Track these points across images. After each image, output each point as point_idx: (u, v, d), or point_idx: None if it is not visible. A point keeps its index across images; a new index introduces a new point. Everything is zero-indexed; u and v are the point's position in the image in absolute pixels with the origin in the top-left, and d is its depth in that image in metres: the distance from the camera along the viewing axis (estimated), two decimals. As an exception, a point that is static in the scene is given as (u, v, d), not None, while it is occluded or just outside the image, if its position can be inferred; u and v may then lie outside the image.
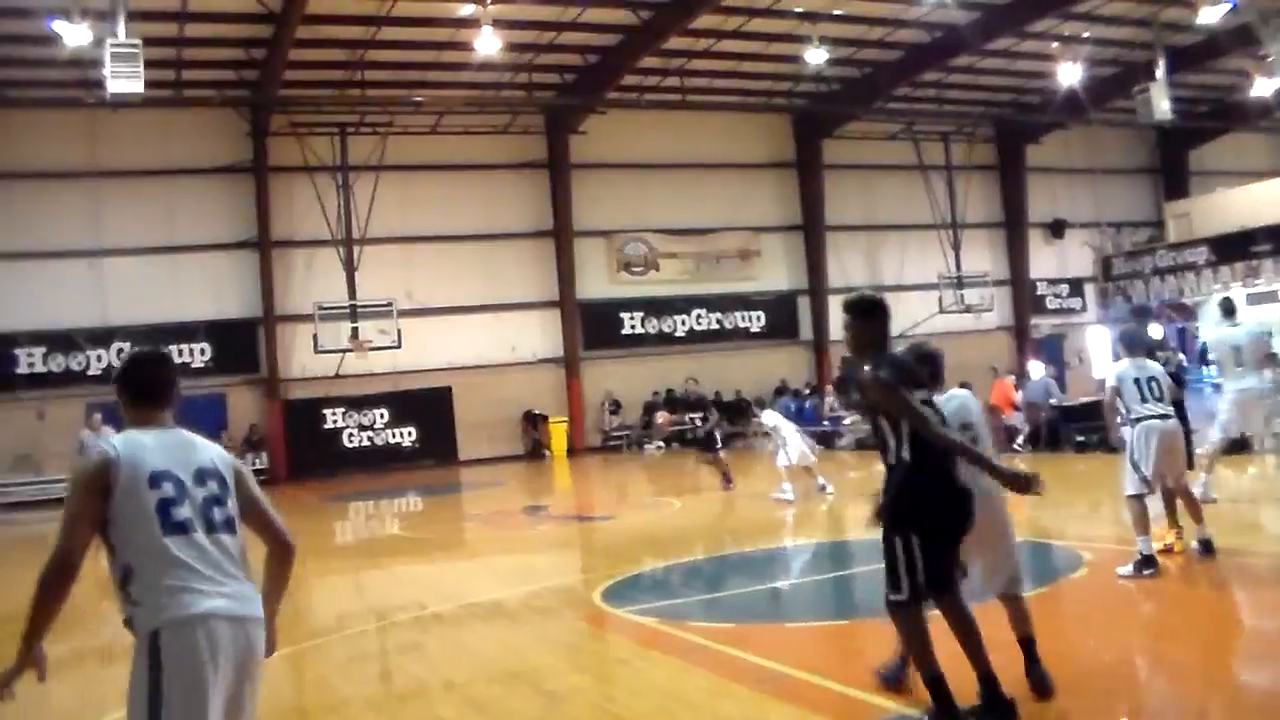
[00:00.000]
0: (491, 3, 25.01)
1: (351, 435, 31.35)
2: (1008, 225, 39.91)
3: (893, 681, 6.40)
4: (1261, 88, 34.02)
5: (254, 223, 30.11)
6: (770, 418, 18.01)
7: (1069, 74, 31.04)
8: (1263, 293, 33.74)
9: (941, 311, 35.15)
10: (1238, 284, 34.34)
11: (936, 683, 5.61)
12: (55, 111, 27.65)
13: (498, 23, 25.32)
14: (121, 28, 20.47)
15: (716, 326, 35.56)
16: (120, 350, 28.50)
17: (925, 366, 6.32)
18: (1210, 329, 13.97)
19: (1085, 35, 30.75)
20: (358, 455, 31.11)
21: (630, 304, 34.56)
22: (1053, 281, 40.81)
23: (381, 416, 31.58)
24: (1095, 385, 26.81)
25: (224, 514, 3.88)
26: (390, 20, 26.07)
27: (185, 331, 29.27)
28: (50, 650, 3.92)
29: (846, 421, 29.07)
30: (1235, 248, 33.96)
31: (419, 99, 30.37)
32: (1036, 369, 24.96)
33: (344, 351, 29.97)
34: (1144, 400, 9.54)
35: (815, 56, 28.48)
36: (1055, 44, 31.04)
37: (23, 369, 28.17)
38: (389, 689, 8.29)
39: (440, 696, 7.74)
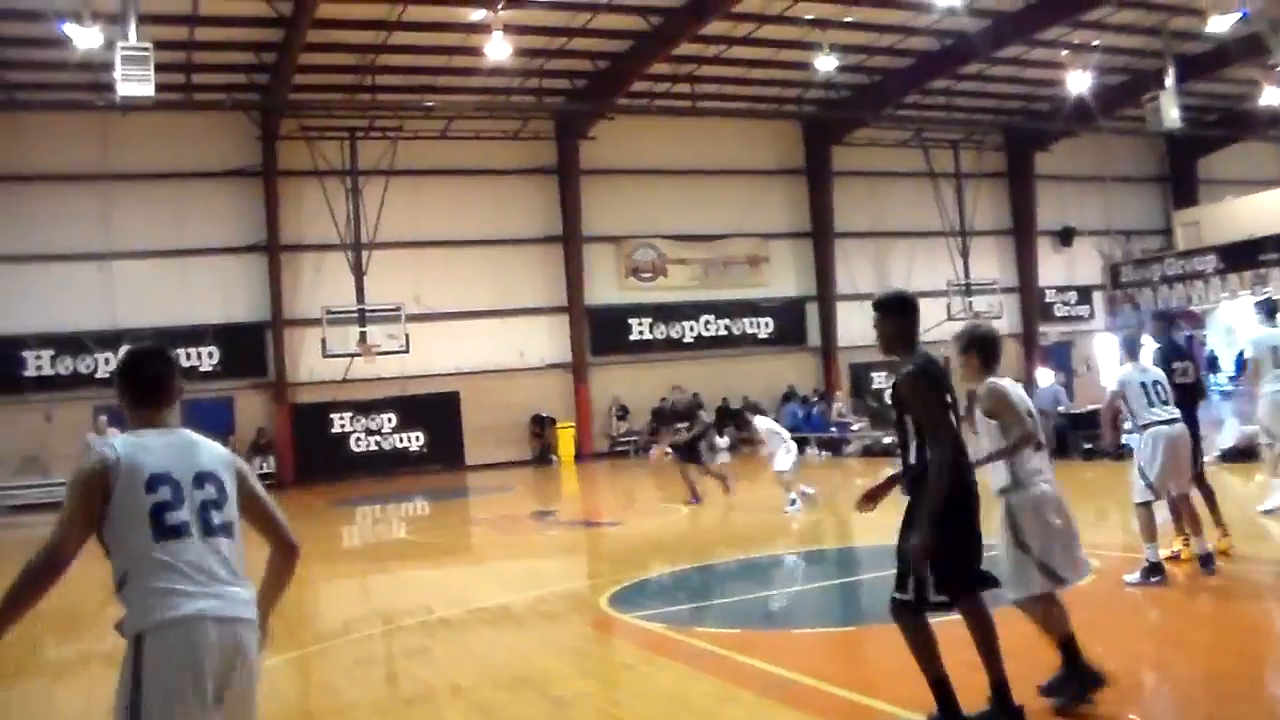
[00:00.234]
0: (502, 8, 25.01)
1: (359, 439, 31.37)
2: (1016, 232, 39.87)
3: (1055, 693, 6.14)
4: (1270, 97, 33.99)
5: (263, 226, 30.13)
6: (763, 423, 17.84)
7: (1078, 82, 31.00)
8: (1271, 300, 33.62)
9: (950, 318, 35.04)
10: (1246, 292, 34.24)
11: (940, 686, 5.60)
12: (65, 114, 27.71)
13: (508, 28, 25.33)
14: (133, 31, 20.49)
15: (725, 332, 35.53)
16: (129, 354, 28.63)
17: (982, 349, 6.42)
18: (1250, 329, 13.56)
19: (1095, 43, 30.68)
20: (365, 459, 31.13)
21: (639, 310, 34.53)
22: (1061, 289, 40.75)
23: (389, 421, 31.60)
24: (1103, 393, 26.85)
25: (222, 518, 3.85)
26: (401, 25, 26.10)
27: (193, 335, 29.33)
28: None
29: (855, 428, 29.08)
30: (1244, 256, 33.87)
31: (429, 103, 30.43)
32: (1045, 376, 24.92)
33: (352, 356, 29.98)
34: (1150, 405, 9.49)
35: (825, 63, 28.47)
36: (1065, 52, 30.99)
37: (30, 371, 28.21)
38: (395, 693, 8.30)
39: (447, 701, 7.74)
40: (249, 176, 30.17)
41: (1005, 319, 37.73)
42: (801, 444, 30.35)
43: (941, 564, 5.57)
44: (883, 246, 37.43)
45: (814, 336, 36.66)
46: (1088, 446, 20.89)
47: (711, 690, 7.37)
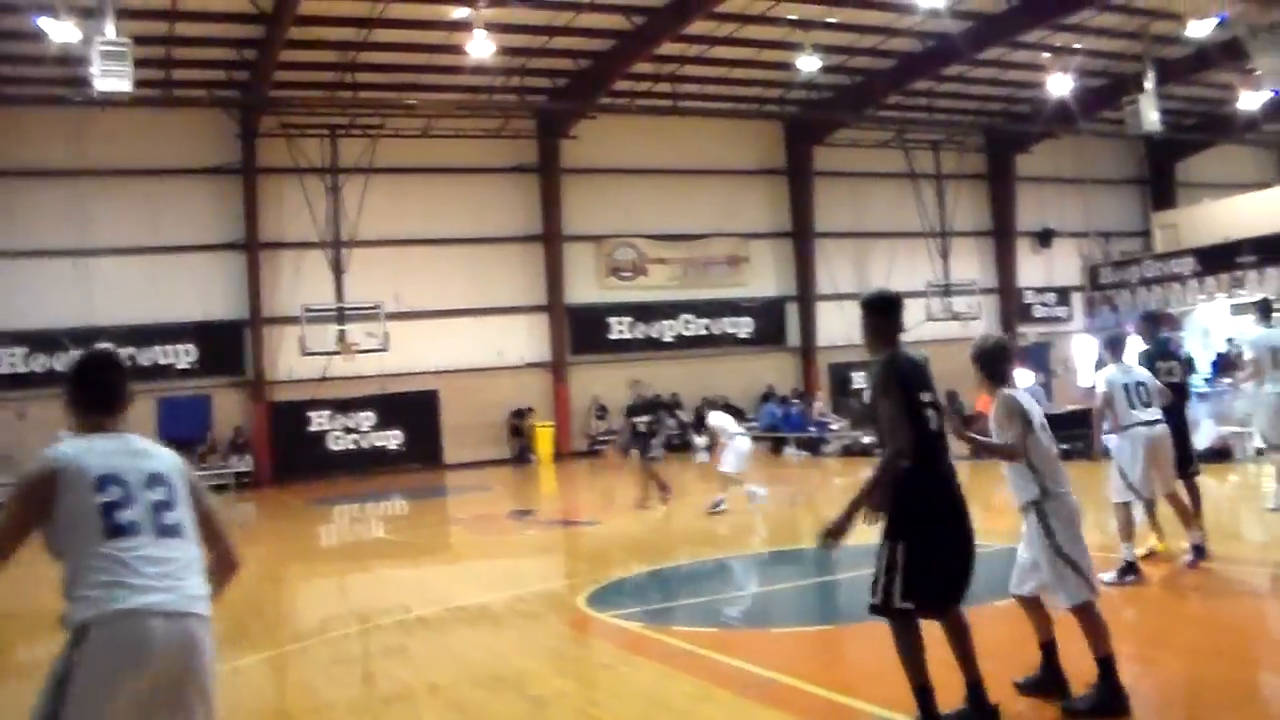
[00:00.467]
0: (484, 6, 24.95)
1: (337, 438, 31.23)
2: (996, 234, 40.01)
3: (1032, 689, 6.26)
4: (1248, 101, 34.21)
5: (242, 224, 29.98)
6: (717, 419, 17.58)
7: (1059, 84, 31.10)
8: (1246, 304, 33.84)
9: (929, 319, 35.18)
10: (1223, 295, 34.49)
11: (923, 694, 5.60)
12: (42, 109, 27.44)
13: (490, 26, 25.24)
14: (110, 26, 20.36)
15: (704, 332, 35.51)
16: (105, 351, 28.44)
17: (982, 364, 6.45)
18: (1247, 330, 13.57)
19: (1076, 46, 30.78)
20: (343, 458, 30.98)
21: (618, 309, 34.49)
22: (1040, 290, 40.88)
23: (368, 420, 31.46)
24: (1081, 393, 26.95)
25: (174, 518, 3.84)
26: (382, 22, 26.02)
27: (171, 332, 29.20)
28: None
29: (834, 428, 29.12)
30: (1221, 259, 34.08)
31: (410, 101, 30.33)
32: (1024, 377, 24.99)
33: (331, 354, 29.85)
34: (1132, 406, 9.55)
35: (807, 64, 28.49)
36: (1046, 55, 31.09)
37: (4, 369, 27.92)
38: (373, 692, 8.26)
39: (424, 700, 7.71)
40: (228, 174, 30.00)
41: (984, 320, 37.82)
42: (780, 443, 30.57)
43: (910, 572, 5.54)
44: (863, 247, 37.46)
45: (794, 336, 36.69)
46: (1064, 447, 20.89)
47: (689, 689, 7.36)
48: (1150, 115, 29.01)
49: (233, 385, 30.39)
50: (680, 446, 28.61)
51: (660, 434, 19.28)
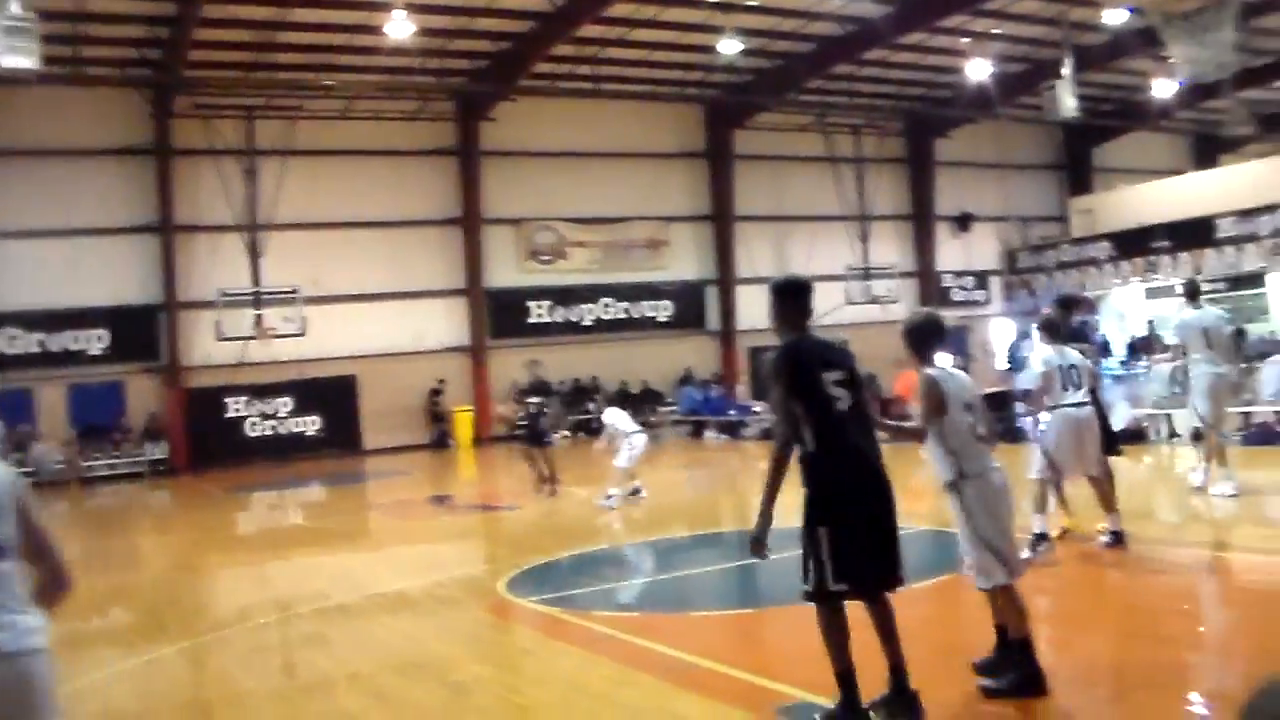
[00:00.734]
0: (404, -14, 24.70)
1: (254, 424, 30.80)
2: (915, 218, 40.41)
3: (987, 672, 6.24)
4: (1162, 88, 34.84)
5: (156, 206, 29.41)
6: (612, 415, 17.10)
7: (978, 70, 31.48)
8: (1161, 287, 34.56)
9: (849, 303, 35.45)
10: (1137, 278, 35.14)
11: (844, 678, 5.61)
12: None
13: (410, 7, 24.99)
14: (14, 1, 19.84)
15: (624, 315, 35.48)
16: (14, 337, 27.83)
17: (909, 339, 6.47)
18: (1178, 312, 13.81)
19: (995, 32, 31.16)
20: (261, 445, 30.58)
21: (538, 292, 34.35)
22: (958, 274, 41.30)
23: (285, 405, 31.06)
24: (999, 376, 27.35)
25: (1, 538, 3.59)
26: (300, 1, 25.63)
27: (82, 318, 28.60)
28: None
29: (756, 409, 29.24)
30: (1135, 243, 34.70)
31: (329, 83, 29.90)
32: (943, 360, 25.23)
33: (247, 339, 29.42)
34: (1065, 389, 9.73)
35: (728, 47, 28.58)
36: (966, 40, 31.41)
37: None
38: (292, 681, 8.19)
39: (344, 688, 7.65)
40: (141, 155, 29.40)
41: (903, 303, 38.16)
42: (700, 427, 30.67)
43: (837, 554, 5.53)
44: (783, 230, 37.63)
45: (714, 320, 36.80)
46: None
47: (610, 674, 7.37)
48: (1068, 101, 29.43)
49: (147, 371, 29.84)
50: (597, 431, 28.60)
51: (551, 419, 18.94)
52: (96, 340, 28.90)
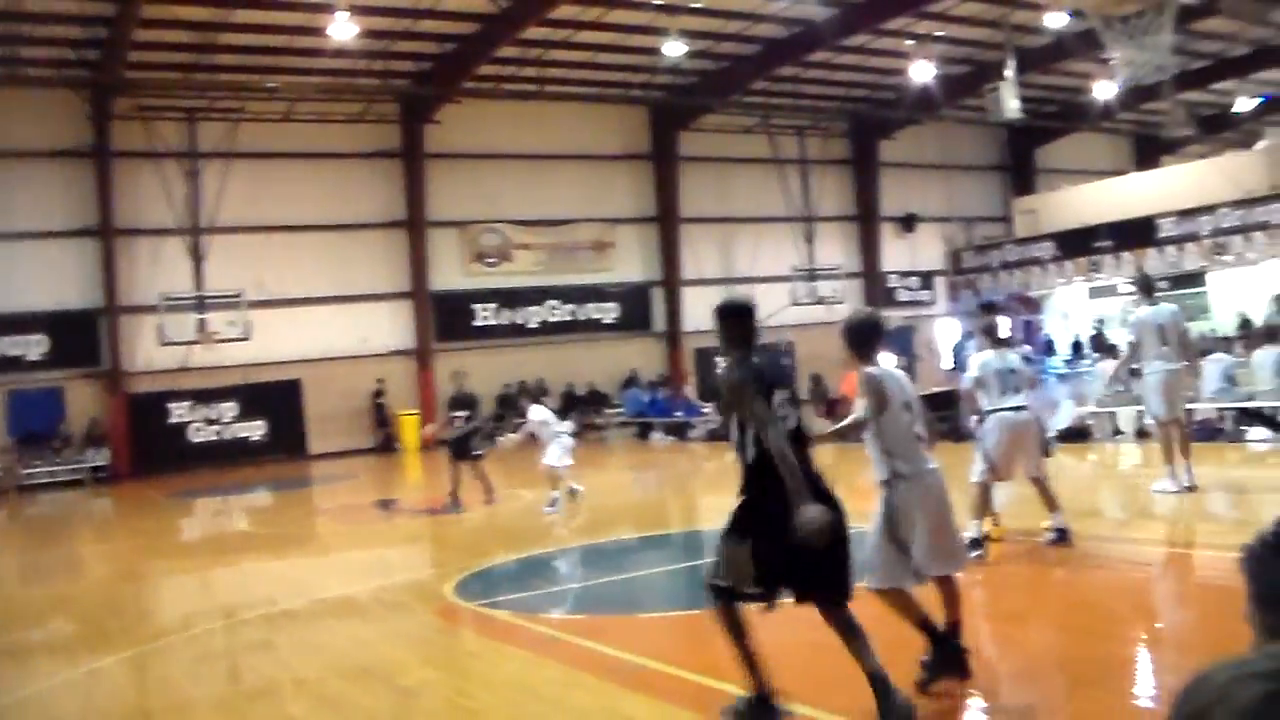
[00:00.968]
0: (347, -13, 24.55)
1: (198, 429, 30.47)
2: (860, 219, 40.65)
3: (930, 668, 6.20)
4: (1103, 90, 35.29)
5: (96, 210, 28.99)
6: (537, 413, 16.68)
7: (922, 71, 31.71)
8: (1103, 286, 35.03)
9: (794, 304, 35.65)
10: (1080, 278, 35.57)
11: (749, 661, 5.69)
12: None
13: (354, 8, 24.82)
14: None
15: (570, 318, 35.43)
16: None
17: (848, 339, 6.49)
18: (1132, 309, 13.87)
19: (939, 34, 31.43)
20: (204, 450, 30.25)
21: (483, 295, 34.21)
22: (904, 274, 41.58)
23: (229, 410, 30.74)
24: (944, 376, 27.57)
25: None
26: (242, 1, 25.41)
27: (20, 323, 28.15)
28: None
29: (705, 410, 29.32)
30: (1079, 243, 35.11)
31: (271, 85, 29.69)
32: (887, 360, 25.41)
33: (190, 343, 29.17)
34: (1003, 392, 9.82)
35: (673, 49, 28.63)
36: (909, 42, 31.67)
37: None
38: (238, 688, 8.11)
39: (290, 694, 7.61)
40: (80, 157, 29.00)
41: (849, 304, 38.39)
42: (647, 429, 30.71)
43: (766, 557, 5.56)
44: (728, 232, 37.79)
45: (659, 322, 36.84)
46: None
47: (557, 676, 7.38)
48: (1011, 102, 29.73)
49: (87, 377, 29.43)
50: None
51: (481, 433, 18.48)
52: (35, 346, 28.44)
